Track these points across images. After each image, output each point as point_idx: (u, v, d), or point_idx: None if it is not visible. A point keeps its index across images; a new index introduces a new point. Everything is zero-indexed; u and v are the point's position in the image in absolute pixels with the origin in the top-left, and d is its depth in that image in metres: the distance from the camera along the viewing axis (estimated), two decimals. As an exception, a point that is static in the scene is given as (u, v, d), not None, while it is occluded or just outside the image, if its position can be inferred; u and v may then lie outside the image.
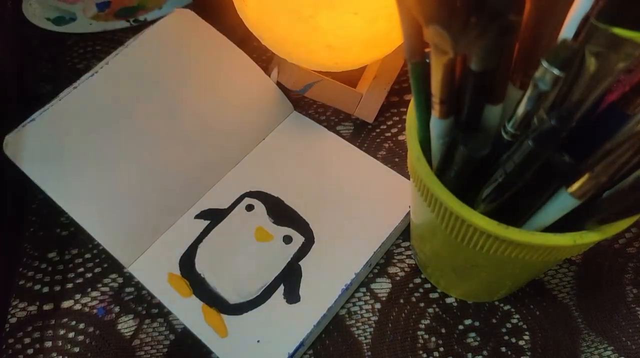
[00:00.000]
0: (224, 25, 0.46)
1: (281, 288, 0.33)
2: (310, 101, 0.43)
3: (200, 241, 0.35)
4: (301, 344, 0.31)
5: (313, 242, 0.35)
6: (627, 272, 0.34)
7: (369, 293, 0.34)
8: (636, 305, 0.33)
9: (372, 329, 0.33)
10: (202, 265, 0.34)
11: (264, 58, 0.46)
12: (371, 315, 0.33)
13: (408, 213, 0.35)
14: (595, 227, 0.22)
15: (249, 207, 0.36)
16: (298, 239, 0.35)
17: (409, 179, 0.38)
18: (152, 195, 0.35)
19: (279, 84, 0.40)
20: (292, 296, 0.33)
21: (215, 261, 0.34)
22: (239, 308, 0.33)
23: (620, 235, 0.36)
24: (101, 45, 0.48)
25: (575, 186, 0.20)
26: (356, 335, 0.33)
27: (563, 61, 0.16)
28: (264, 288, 0.33)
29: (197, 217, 0.36)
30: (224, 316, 0.32)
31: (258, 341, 0.32)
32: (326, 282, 0.33)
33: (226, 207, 0.37)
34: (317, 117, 0.42)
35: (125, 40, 0.39)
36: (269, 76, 0.40)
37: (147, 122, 0.36)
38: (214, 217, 0.36)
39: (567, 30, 0.19)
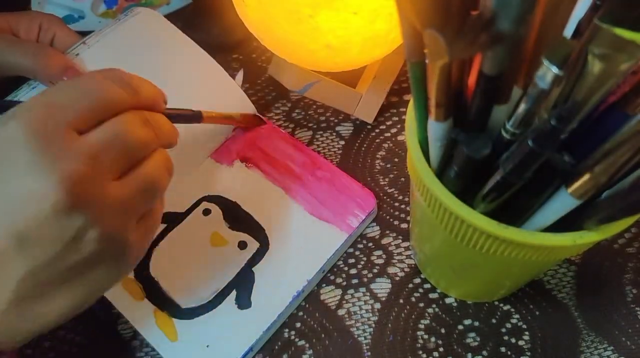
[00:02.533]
0: (224, 25, 0.46)
1: (233, 293, 0.33)
2: (310, 101, 0.43)
3: (156, 245, 0.35)
4: (249, 350, 0.31)
5: (267, 248, 0.34)
6: (626, 272, 0.34)
7: (368, 293, 0.34)
8: (636, 305, 0.33)
9: (372, 329, 0.33)
10: (157, 269, 0.34)
11: (263, 58, 0.46)
12: (371, 315, 0.33)
13: (363, 221, 0.35)
14: (595, 227, 0.22)
15: (206, 211, 0.36)
16: (253, 245, 0.34)
17: (367, 187, 0.38)
18: None
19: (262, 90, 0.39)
20: (244, 302, 0.33)
21: (170, 265, 0.34)
22: (191, 313, 0.32)
23: (620, 235, 0.36)
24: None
25: (575, 186, 0.20)
26: (356, 335, 0.33)
27: (561, 59, 0.16)
28: (216, 293, 0.33)
29: None
30: (175, 320, 0.32)
31: (207, 346, 0.31)
32: (278, 289, 0.33)
33: (183, 211, 0.36)
34: (316, 118, 0.42)
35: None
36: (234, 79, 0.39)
37: None
38: (170, 220, 0.35)
39: (567, 29, 0.19)
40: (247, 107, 0.39)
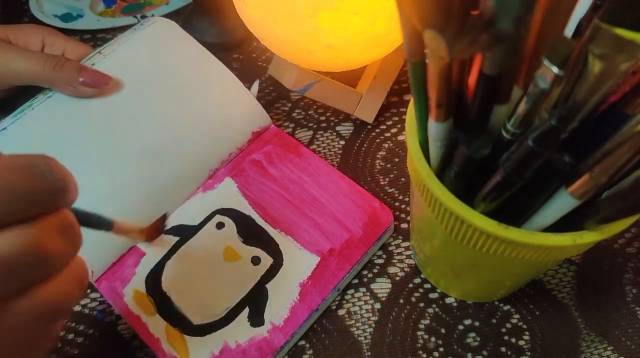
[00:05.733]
0: (224, 25, 0.46)
1: (246, 310, 0.32)
2: (310, 101, 0.43)
3: (168, 258, 0.34)
4: None
5: (281, 264, 0.34)
6: (626, 272, 0.34)
7: (369, 293, 0.34)
8: (636, 305, 0.33)
9: (372, 329, 0.33)
10: (169, 283, 0.33)
11: (263, 58, 0.46)
12: (371, 315, 0.33)
13: (379, 238, 0.34)
14: (595, 227, 0.22)
15: (220, 225, 0.35)
16: (266, 261, 0.34)
17: (379, 200, 0.38)
18: (121, 209, 0.33)
19: (259, 97, 0.39)
20: (257, 319, 0.32)
21: (182, 280, 0.33)
22: (202, 330, 0.31)
23: (620, 235, 0.36)
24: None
25: (575, 186, 0.20)
26: (356, 335, 0.33)
27: (562, 58, 0.16)
28: (228, 309, 0.32)
29: (167, 232, 0.35)
30: (187, 337, 0.31)
31: None
32: (292, 307, 0.32)
33: (197, 223, 0.35)
34: (317, 118, 0.42)
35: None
36: (249, 89, 0.39)
37: (119, 133, 0.35)
38: (183, 233, 0.35)
39: (567, 29, 0.19)
40: (262, 117, 0.39)
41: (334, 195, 0.36)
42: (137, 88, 0.36)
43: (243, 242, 0.35)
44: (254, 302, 0.32)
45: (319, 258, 0.34)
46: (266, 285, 0.33)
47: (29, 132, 0.33)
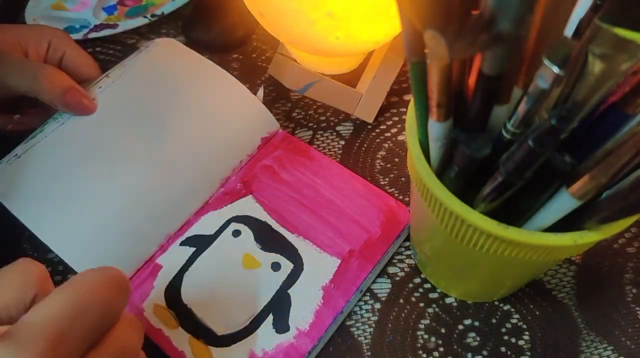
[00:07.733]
0: (224, 25, 0.46)
1: (270, 317, 0.32)
2: (311, 101, 0.43)
3: (186, 270, 0.34)
4: None
5: (302, 269, 0.33)
6: (626, 272, 0.34)
7: (368, 293, 0.34)
8: (636, 305, 0.33)
9: (372, 329, 0.33)
10: (189, 295, 0.33)
11: (263, 58, 0.46)
12: (371, 315, 0.33)
13: (398, 236, 0.34)
14: (595, 227, 0.22)
15: (236, 233, 0.35)
16: (287, 266, 0.33)
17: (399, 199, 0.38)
18: (136, 223, 0.34)
19: (266, 103, 0.39)
20: (282, 326, 0.31)
21: (202, 290, 0.33)
22: (227, 340, 0.31)
23: (619, 235, 0.36)
24: (101, 47, 0.48)
25: (576, 186, 0.20)
26: (356, 335, 0.33)
27: (562, 58, 0.16)
28: (252, 318, 0.32)
29: (183, 243, 0.35)
30: (212, 348, 0.31)
31: None
32: (317, 311, 0.32)
33: (212, 233, 0.35)
34: (317, 118, 0.42)
35: (122, 42, 0.38)
36: (255, 94, 0.39)
37: (132, 150, 0.35)
38: (199, 244, 0.35)
39: (567, 29, 0.19)
40: (270, 123, 0.39)
41: (349, 196, 0.36)
42: (147, 107, 0.36)
43: (261, 248, 0.34)
44: (278, 309, 0.32)
45: (339, 261, 0.34)
46: (288, 291, 0.33)
47: (42, 160, 0.33)
